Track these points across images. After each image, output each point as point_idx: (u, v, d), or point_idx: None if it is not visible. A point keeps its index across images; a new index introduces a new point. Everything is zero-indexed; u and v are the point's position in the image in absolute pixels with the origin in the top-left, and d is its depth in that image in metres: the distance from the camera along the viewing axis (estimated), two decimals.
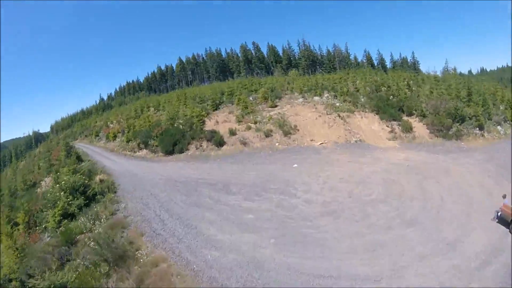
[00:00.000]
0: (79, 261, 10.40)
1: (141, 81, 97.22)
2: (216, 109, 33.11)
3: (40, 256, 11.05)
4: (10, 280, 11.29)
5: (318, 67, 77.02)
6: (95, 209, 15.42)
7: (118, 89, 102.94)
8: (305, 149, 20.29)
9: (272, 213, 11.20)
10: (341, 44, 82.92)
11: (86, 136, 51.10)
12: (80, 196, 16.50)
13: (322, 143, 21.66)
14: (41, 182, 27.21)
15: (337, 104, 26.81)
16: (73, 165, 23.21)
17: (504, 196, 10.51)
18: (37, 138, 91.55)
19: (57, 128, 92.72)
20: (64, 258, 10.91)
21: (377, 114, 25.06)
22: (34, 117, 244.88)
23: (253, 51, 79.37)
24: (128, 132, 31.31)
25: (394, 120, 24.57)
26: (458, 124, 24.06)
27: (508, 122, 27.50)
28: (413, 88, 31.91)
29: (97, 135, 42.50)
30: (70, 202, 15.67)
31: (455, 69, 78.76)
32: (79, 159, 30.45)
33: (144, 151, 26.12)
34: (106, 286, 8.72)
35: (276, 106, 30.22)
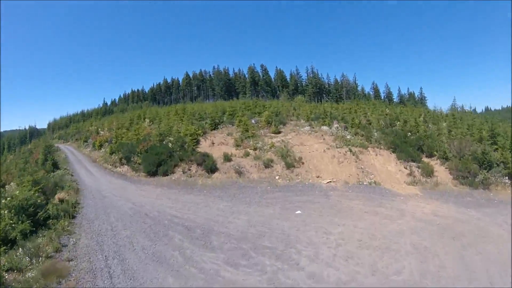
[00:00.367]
0: None
1: (146, 91, 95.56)
2: (214, 129, 29.92)
3: None
4: None
5: (324, 95, 75.14)
6: (39, 239, 11.81)
7: (122, 96, 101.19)
8: (310, 188, 16.67)
9: None
10: (350, 74, 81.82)
11: (77, 140, 47.74)
12: (27, 219, 12.80)
13: (330, 181, 18.07)
14: (8, 184, 23.45)
15: (348, 137, 23.51)
16: (38, 174, 19.57)
17: None
18: (32, 134, 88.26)
19: (54, 126, 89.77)
20: None
21: (393, 152, 21.64)
22: (39, 111, 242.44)
23: (260, 74, 78.00)
24: (115, 142, 27.94)
25: (413, 161, 21.11)
26: (485, 171, 20.58)
27: None
28: (429, 125, 28.82)
29: (86, 141, 39.10)
30: (13, 225, 12.01)
31: (463, 107, 76.66)
32: (55, 166, 26.82)
33: (126, 167, 22.54)
34: None
35: (279, 132, 27.00)
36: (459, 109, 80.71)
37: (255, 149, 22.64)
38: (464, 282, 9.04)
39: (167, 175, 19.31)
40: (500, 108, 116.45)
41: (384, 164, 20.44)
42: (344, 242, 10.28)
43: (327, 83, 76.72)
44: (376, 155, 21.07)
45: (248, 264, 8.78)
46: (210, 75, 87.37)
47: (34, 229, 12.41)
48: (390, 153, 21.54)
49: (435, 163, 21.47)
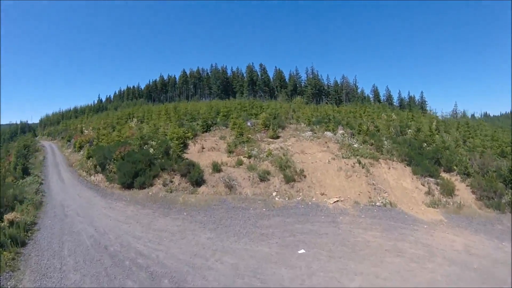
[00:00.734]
0: None
1: (142, 88, 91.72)
2: (206, 131, 26.68)
3: None
4: None
5: (324, 97, 72.07)
6: None
7: (117, 93, 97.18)
8: (315, 210, 13.54)
9: None
10: (350, 76, 78.94)
11: (62, 138, 44.11)
12: None
13: (337, 200, 14.98)
14: None
15: (355, 145, 20.42)
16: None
17: None
18: (24, 129, 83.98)
19: (46, 122, 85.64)
20: None
21: (408, 165, 18.60)
22: (37, 106, 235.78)
23: (259, 73, 74.70)
24: (95, 144, 24.61)
25: (430, 176, 18.09)
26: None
27: None
28: (442, 134, 25.83)
29: (69, 141, 35.58)
30: None
31: (464, 113, 73.95)
32: (25, 172, 23.43)
33: (100, 175, 19.23)
34: None
35: (278, 137, 23.83)
36: (460, 115, 78.22)
37: (249, 156, 19.49)
38: None
39: (145, 187, 16.09)
40: (499, 114, 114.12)
41: (399, 180, 17.37)
42: None
43: (326, 85, 73.65)
44: (389, 168, 18.00)
45: None
46: (207, 73, 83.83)
47: None
48: (405, 167, 18.47)
49: (454, 179, 18.47)
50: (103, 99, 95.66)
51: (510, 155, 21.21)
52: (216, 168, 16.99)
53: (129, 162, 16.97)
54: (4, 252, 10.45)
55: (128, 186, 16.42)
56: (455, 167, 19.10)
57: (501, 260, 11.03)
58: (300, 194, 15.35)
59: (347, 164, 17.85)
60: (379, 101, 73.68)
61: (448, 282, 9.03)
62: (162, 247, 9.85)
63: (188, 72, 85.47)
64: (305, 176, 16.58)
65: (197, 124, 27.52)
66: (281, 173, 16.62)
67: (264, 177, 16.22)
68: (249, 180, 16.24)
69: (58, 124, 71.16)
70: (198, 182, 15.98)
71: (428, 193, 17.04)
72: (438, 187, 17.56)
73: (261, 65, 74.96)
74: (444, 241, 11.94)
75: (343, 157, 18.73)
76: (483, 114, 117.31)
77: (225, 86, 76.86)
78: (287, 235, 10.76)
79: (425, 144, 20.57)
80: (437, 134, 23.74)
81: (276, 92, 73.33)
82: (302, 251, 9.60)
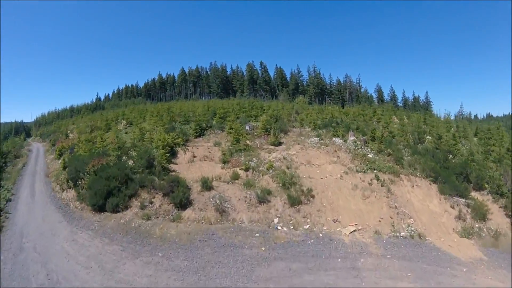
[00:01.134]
0: None
1: (140, 86, 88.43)
2: (200, 135, 23.57)
3: None
4: None
5: (326, 96, 68.68)
6: None
7: (116, 91, 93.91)
8: (328, 248, 10.47)
9: None
10: (353, 75, 75.63)
11: (50, 141, 41.03)
12: None
13: (354, 230, 11.92)
14: None
15: (370, 156, 17.29)
16: None
17: None
18: (18, 129, 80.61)
19: (42, 122, 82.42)
20: None
21: (433, 182, 15.48)
22: (36, 104, 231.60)
23: (259, 72, 71.23)
24: (76, 151, 21.55)
25: (459, 195, 15.00)
26: None
27: None
28: (462, 141, 22.65)
29: (54, 145, 32.50)
30: None
31: (470, 114, 70.50)
32: None
33: (72, 192, 16.18)
34: None
35: (280, 143, 20.70)
36: (466, 116, 74.77)
37: (247, 169, 16.41)
38: None
39: (118, 211, 13.02)
40: (502, 115, 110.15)
41: (424, 201, 14.26)
42: None
43: (329, 84, 70.19)
44: (413, 186, 14.88)
45: None
46: (207, 71, 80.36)
47: None
48: (430, 184, 15.34)
49: (486, 199, 15.36)
50: (102, 98, 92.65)
51: (510, 158, 18.01)
52: (206, 185, 13.92)
53: (102, 178, 13.91)
54: None
55: (100, 208, 13.38)
56: (486, 185, 15.97)
57: None
58: (308, 220, 12.27)
59: (363, 181, 14.74)
60: (382, 101, 70.28)
61: None
62: None
63: (187, 71, 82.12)
64: (313, 197, 13.49)
65: (190, 127, 24.42)
66: (284, 193, 13.55)
67: (263, 197, 13.15)
68: (246, 201, 13.17)
69: (51, 125, 67.99)
70: (183, 204, 12.92)
71: (459, 217, 13.95)
72: (469, 210, 14.47)
73: (261, 63, 71.48)
74: None
75: (357, 171, 15.62)
76: (486, 115, 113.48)
77: (225, 84, 73.52)
78: None
79: (450, 155, 17.40)
80: (458, 141, 20.52)
81: (277, 91, 69.95)
82: None
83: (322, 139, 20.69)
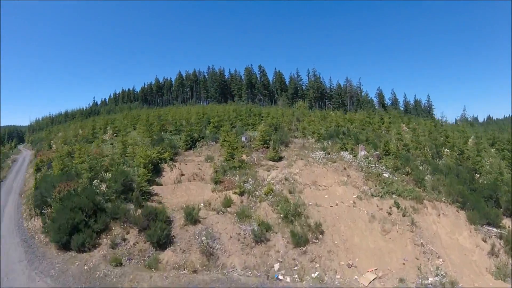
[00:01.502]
0: None
1: (137, 91, 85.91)
2: (191, 147, 21.05)
3: None
4: None
5: (326, 100, 66.33)
6: None
7: (112, 96, 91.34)
8: None
9: None
10: (353, 79, 73.37)
11: (38, 150, 38.35)
12: None
13: (375, 278, 9.35)
14: None
15: (386, 175, 14.74)
16: None
17: None
18: (11, 134, 77.31)
19: (35, 127, 79.53)
20: None
21: (461, 208, 12.94)
22: (35, 109, 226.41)
23: (258, 76, 68.80)
24: (55, 166, 18.92)
25: (489, 224, 12.48)
26: None
27: None
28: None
29: (36, 156, 29.82)
30: None
31: (476, 119, 67.91)
32: None
33: (38, 221, 13.56)
34: None
35: (280, 158, 18.13)
36: (469, 120, 72.25)
37: (241, 193, 13.84)
38: None
39: (84, 250, 10.44)
40: (503, 118, 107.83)
41: (453, 233, 11.69)
42: None
43: (329, 88, 67.82)
44: (439, 215, 12.31)
45: None
46: (204, 75, 77.92)
47: None
48: (457, 211, 12.76)
49: None
50: (99, 103, 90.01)
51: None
52: (191, 217, 11.33)
53: (67, 209, 11.33)
54: None
55: (64, 245, 10.80)
56: None
57: None
58: (317, 266, 9.69)
59: (381, 209, 12.18)
60: (384, 105, 68.00)
61: None
62: None
63: (184, 75, 79.65)
64: (322, 233, 10.91)
65: (180, 139, 21.89)
66: (287, 228, 10.97)
67: (261, 235, 10.56)
68: (239, 239, 10.58)
69: (42, 131, 65.05)
70: (162, 242, 10.34)
71: (492, 253, 11.41)
72: (502, 242, 11.94)
73: (260, 67, 69.06)
74: None
75: (372, 195, 13.06)
76: (486, 117, 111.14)
77: (223, 89, 71.05)
78: None
79: (477, 174, 14.83)
80: (483, 157, 18.00)
81: (276, 95, 67.60)
82: None
83: (329, 153, 18.16)
